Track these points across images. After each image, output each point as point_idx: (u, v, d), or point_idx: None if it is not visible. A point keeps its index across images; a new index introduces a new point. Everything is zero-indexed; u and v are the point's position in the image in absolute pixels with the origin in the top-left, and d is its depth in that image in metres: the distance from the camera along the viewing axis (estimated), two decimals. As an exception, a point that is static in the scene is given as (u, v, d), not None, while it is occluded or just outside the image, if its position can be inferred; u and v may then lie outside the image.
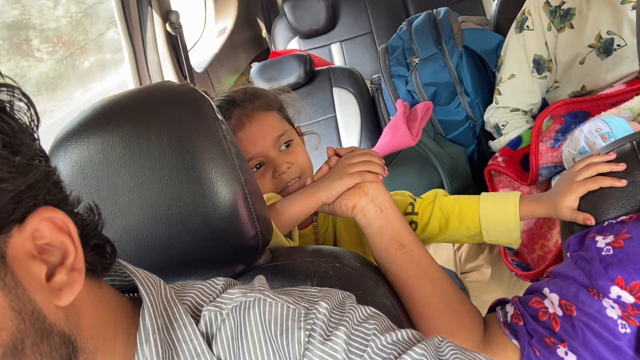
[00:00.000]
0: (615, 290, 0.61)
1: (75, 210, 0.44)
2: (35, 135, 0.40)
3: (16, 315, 0.35)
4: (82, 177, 0.62)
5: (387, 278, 0.75)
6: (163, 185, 0.61)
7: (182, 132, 0.62)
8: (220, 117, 0.65)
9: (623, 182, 0.72)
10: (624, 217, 0.70)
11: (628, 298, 0.61)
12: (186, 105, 0.64)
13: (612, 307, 0.62)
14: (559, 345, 0.62)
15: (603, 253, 0.64)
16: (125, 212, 0.62)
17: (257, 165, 0.88)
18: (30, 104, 0.40)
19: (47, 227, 0.39)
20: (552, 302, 0.66)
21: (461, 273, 1.40)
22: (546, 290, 0.68)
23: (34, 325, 0.36)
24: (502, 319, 0.70)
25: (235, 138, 0.85)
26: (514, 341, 0.67)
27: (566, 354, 0.62)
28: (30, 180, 0.38)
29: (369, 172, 0.78)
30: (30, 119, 0.40)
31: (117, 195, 0.62)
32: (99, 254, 0.45)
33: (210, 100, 0.66)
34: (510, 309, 0.71)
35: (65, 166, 0.62)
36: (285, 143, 0.90)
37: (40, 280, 0.38)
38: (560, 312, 0.65)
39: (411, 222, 0.93)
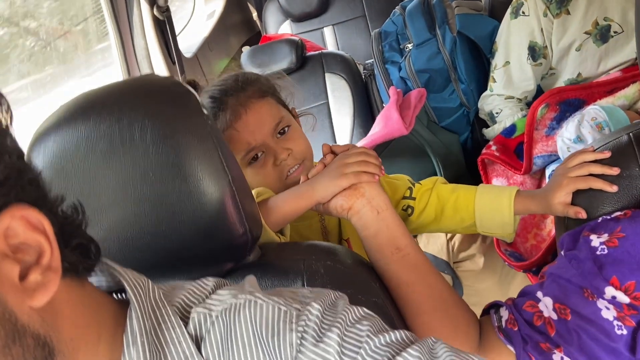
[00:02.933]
0: (609, 291, 0.61)
1: (58, 209, 0.42)
2: (9, 131, 0.39)
3: None
4: (64, 173, 0.60)
5: (382, 281, 0.73)
6: (147, 183, 0.59)
7: (166, 128, 0.59)
8: (206, 112, 0.63)
9: (614, 188, 0.71)
10: (618, 214, 0.69)
11: (623, 298, 0.60)
12: (171, 100, 0.62)
13: (607, 308, 0.61)
14: (555, 351, 0.62)
15: (597, 253, 0.63)
16: (108, 210, 0.60)
17: (255, 157, 0.86)
18: (3, 100, 0.38)
19: (21, 225, 0.37)
20: (547, 305, 0.65)
21: (454, 262, 1.39)
22: (540, 294, 0.67)
23: (5, 327, 0.35)
24: (496, 324, 0.69)
25: (233, 129, 0.84)
26: (509, 347, 0.66)
27: (562, 359, 0.61)
28: None
29: (365, 172, 0.76)
30: (2, 116, 0.38)
31: (100, 192, 0.60)
32: (82, 254, 0.43)
33: (196, 95, 0.63)
34: (504, 313, 0.69)
35: (45, 162, 0.60)
36: (282, 129, 0.87)
37: (12, 280, 0.36)
38: (555, 316, 0.64)
39: (407, 207, 0.93)
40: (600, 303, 0.61)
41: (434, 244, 1.39)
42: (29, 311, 0.37)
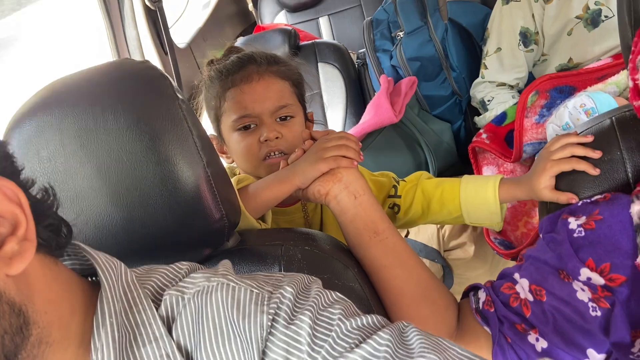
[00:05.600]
0: (585, 272, 0.60)
1: (29, 191, 0.42)
2: None
3: None
4: (38, 159, 0.60)
5: (361, 266, 0.73)
6: (121, 168, 0.59)
7: (139, 112, 0.59)
8: (180, 96, 0.62)
9: (597, 171, 0.71)
10: (598, 197, 0.68)
11: (598, 280, 0.60)
12: (144, 84, 0.61)
13: (583, 290, 0.61)
14: (530, 332, 0.62)
15: (574, 235, 0.62)
16: (83, 196, 0.60)
17: (247, 126, 0.87)
18: None
19: None
20: (523, 287, 0.65)
21: (444, 251, 1.39)
22: (517, 276, 0.67)
23: None
24: (474, 306, 0.69)
25: (239, 89, 0.86)
26: (486, 328, 0.66)
27: (537, 340, 0.61)
28: None
29: (344, 157, 0.75)
30: None
31: (74, 178, 0.60)
32: (54, 232, 0.44)
33: (171, 79, 0.63)
34: (482, 295, 0.69)
35: (20, 148, 0.60)
36: (284, 116, 0.88)
37: None
38: (530, 298, 0.63)
39: (394, 205, 0.93)
40: (576, 284, 0.61)
41: (424, 232, 1.39)
42: (4, 278, 0.37)
